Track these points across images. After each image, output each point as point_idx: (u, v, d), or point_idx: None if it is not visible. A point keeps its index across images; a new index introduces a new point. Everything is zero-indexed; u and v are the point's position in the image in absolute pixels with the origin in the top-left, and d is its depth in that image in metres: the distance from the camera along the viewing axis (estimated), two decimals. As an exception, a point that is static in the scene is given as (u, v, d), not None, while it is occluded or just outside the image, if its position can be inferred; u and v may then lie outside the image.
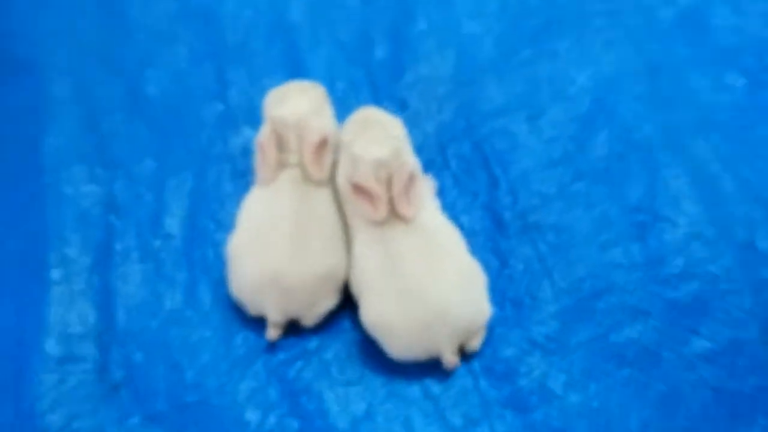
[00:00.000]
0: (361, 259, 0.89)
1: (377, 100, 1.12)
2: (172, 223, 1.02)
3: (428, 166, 1.05)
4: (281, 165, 0.92)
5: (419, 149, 1.02)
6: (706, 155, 1.05)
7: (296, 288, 0.89)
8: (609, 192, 1.02)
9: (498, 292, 0.95)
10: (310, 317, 0.92)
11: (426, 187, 0.96)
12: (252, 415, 0.88)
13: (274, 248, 0.89)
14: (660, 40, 1.17)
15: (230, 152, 1.09)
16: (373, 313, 0.87)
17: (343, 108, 1.01)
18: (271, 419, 0.88)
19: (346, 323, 0.94)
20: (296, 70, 1.17)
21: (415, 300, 0.85)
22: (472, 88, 1.13)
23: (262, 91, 0.98)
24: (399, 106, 1.11)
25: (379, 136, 0.89)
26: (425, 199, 0.91)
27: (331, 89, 1.07)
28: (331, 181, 0.93)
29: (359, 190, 0.88)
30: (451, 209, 1.01)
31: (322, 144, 0.92)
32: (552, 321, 0.93)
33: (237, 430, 0.87)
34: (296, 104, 0.93)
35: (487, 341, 0.91)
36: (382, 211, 0.87)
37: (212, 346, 0.93)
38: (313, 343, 0.93)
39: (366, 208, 0.88)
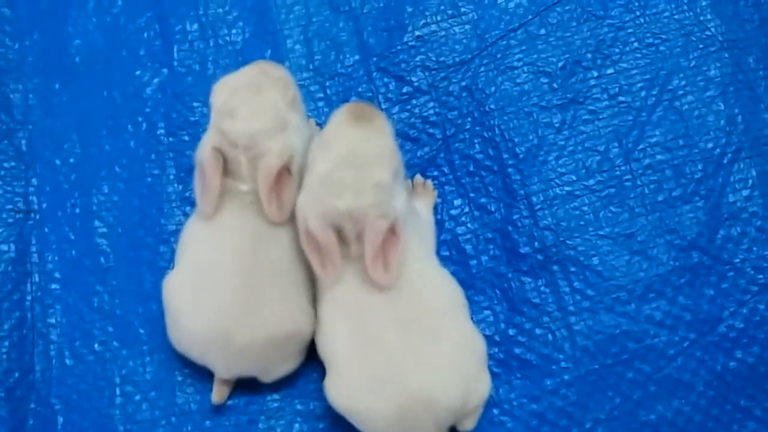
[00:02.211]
0: (329, 323, 0.72)
1: (368, 75, 0.88)
2: (102, 235, 0.84)
3: (426, 168, 0.85)
4: (228, 193, 0.72)
5: (415, 142, 0.84)
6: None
7: (247, 349, 0.72)
8: (657, 220, 0.81)
9: (503, 347, 0.78)
10: (267, 377, 0.77)
11: (419, 221, 0.77)
12: (196, 490, 0.77)
13: (219, 299, 0.72)
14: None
15: (176, 139, 0.87)
16: (340, 393, 0.71)
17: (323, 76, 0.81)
18: (220, 495, 0.77)
19: (314, 374, 0.78)
20: (264, 23, 0.90)
21: (392, 385, 0.69)
22: (489, 61, 0.88)
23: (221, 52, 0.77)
24: (394, 81, 0.88)
25: (356, 180, 0.68)
26: (414, 249, 0.71)
27: (308, 53, 0.87)
28: (295, 216, 0.73)
29: (312, 239, 0.70)
30: (451, 229, 0.83)
31: (285, 172, 0.72)
32: (567, 390, 0.77)
33: None
34: (250, 113, 0.71)
35: (485, 412, 0.76)
36: (331, 272, 0.69)
37: (150, 400, 0.78)
38: (272, 402, 0.78)
39: (314, 263, 0.70)
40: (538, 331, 0.79)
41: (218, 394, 0.76)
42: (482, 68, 0.88)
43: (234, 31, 0.90)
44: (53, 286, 0.82)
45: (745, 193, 0.82)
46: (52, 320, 0.81)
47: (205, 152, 0.72)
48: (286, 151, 0.71)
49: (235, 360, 0.74)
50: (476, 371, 0.73)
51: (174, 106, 0.88)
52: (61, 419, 0.77)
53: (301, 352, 0.76)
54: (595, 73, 0.87)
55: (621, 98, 0.86)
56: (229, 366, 0.75)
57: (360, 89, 0.87)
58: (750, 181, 0.82)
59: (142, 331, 0.80)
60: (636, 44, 0.87)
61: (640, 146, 0.84)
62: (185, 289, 0.74)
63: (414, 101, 0.87)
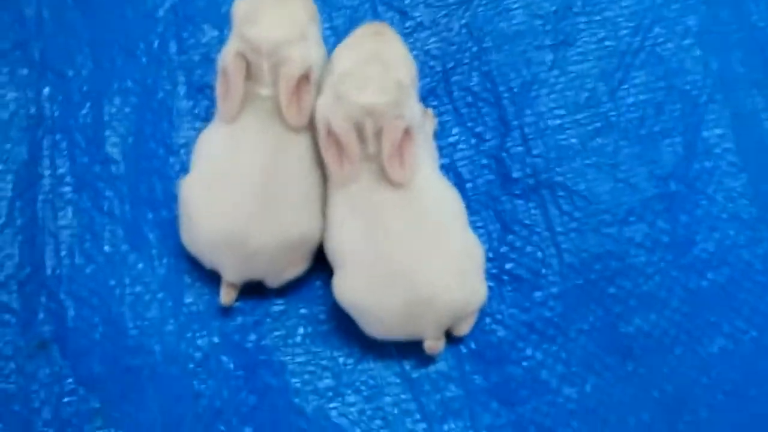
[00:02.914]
0: (339, 226, 0.76)
1: (374, 9, 0.94)
2: (114, 144, 0.88)
3: (426, 97, 0.90)
4: (249, 98, 0.76)
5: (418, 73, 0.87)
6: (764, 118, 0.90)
7: (260, 252, 0.76)
8: (639, 152, 0.88)
9: (496, 263, 0.84)
10: (274, 280, 0.81)
11: (426, 135, 0.82)
12: (202, 387, 0.79)
13: (236, 203, 0.75)
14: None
15: (187, 58, 0.91)
16: (349, 290, 0.76)
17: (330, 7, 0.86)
18: (225, 393, 0.80)
19: (317, 281, 0.83)
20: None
21: (399, 282, 0.74)
22: (488, 1, 0.94)
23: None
24: (398, 15, 0.94)
25: (380, 76, 0.73)
26: (423, 157, 0.77)
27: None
28: (313, 124, 0.77)
29: (332, 138, 0.74)
30: (449, 154, 0.88)
31: (304, 80, 0.76)
32: (554, 302, 0.83)
33: (184, 402, 0.79)
34: (273, 23, 0.75)
35: (478, 321, 0.81)
36: (348, 171, 0.74)
37: (159, 300, 0.82)
38: (277, 306, 0.83)
39: (331, 162, 0.74)
40: (528, 248, 0.85)
41: (226, 296, 0.80)
42: (481, 8, 0.94)
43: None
44: (64, 189, 0.85)
45: (718, 131, 0.89)
46: (63, 222, 0.84)
47: (228, 57, 0.76)
48: (307, 60, 0.76)
49: (246, 263, 0.77)
50: (476, 276, 0.79)
51: (185, 27, 0.92)
52: (71, 314, 0.80)
53: (309, 257, 0.80)
54: (585, 19, 0.94)
55: (608, 42, 0.93)
56: (239, 269, 0.78)
57: (365, 21, 0.93)
58: (723, 121, 0.90)
59: (151, 236, 0.84)
60: (623, -6, 0.95)
61: (624, 86, 0.91)
62: (202, 191, 0.77)
63: (416, 35, 0.93)
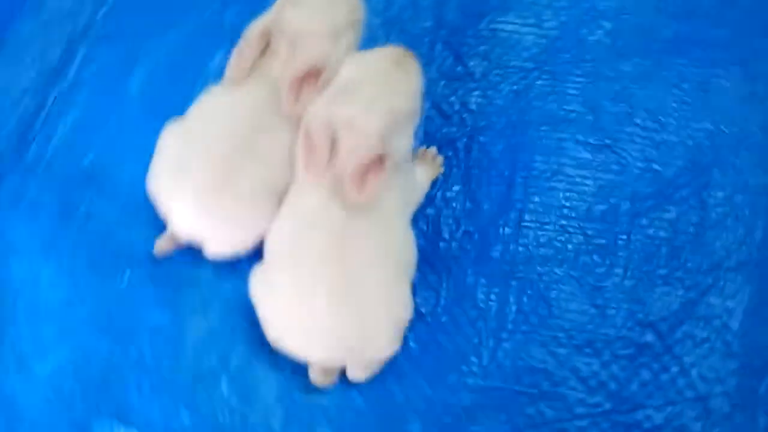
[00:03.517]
0: (281, 222, 0.74)
1: (432, 43, 0.91)
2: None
3: (444, 146, 0.86)
4: (258, 71, 0.77)
5: (446, 118, 0.86)
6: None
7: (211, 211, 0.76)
8: (630, 287, 0.79)
9: (430, 329, 0.78)
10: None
11: (408, 175, 0.78)
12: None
13: (207, 157, 0.76)
14: None
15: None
16: (260, 284, 0.74)
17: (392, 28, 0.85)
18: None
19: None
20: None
21: (310, 299, 0.70)
22: (548, 78, 0.89)
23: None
24: (452, 57, 0.90)
25: (375, 98, 0.71)
26: (394, 194, 0.73)
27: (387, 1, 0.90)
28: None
29: (306, 138, 0.73)
30: (439, 207, 0.84)
31: (311, 75, 0.75)
32: (463, 393, 0.75)
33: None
34: (313, 13, 0.76)
35: (379, 377, 0.76)
36: (312, 175, 0.72)
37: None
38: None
39: (300, 160, 0.73)
40: (468, 329, 0.79)
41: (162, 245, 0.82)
42: (539, 82, 0.89)
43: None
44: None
45: (730, 303, 0.79)
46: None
47: (254, 29, 0.77)
48: (323, 59, 0.75)
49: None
50: (389, 331, 0.73)
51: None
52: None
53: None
54: (642, 133, 0.86)
55: (655, 166, 0.85)
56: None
57: (419, 52, 0.90)
58: (738, 295, 0.79)
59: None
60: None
61: (650, 216, 0.83)
62: (178, 138, 0.78)
63: (461, 83, 0.90)
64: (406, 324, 0.75)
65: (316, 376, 0.75)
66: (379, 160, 0.72)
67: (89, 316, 0.80)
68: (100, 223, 0.84)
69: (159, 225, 0.79)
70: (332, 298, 0.70)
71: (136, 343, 0.79)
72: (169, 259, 0.81)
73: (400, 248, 0.75)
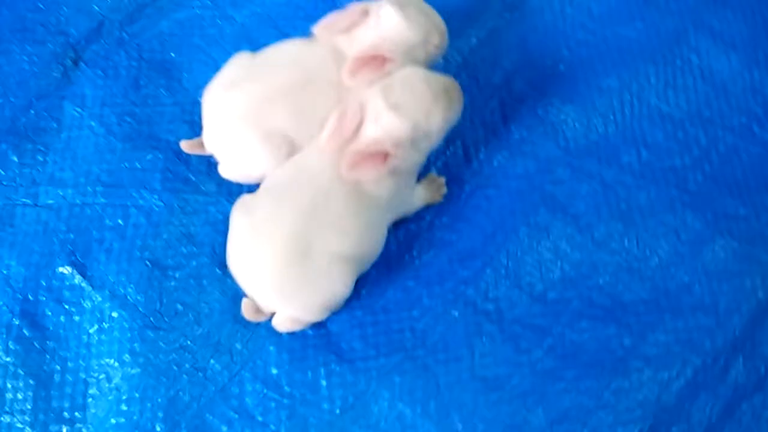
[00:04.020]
0: (286, 166, 0.85)
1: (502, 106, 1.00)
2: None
3: (453, 181, 0.94)
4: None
5: (468, 162, 0.94)
6: None
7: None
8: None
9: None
10: None
11: (406, 189, 0.87)
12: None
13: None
14: None
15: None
16: (239, 209, 0.84)
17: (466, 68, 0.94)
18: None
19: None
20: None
21: (265, 235, 0.80)
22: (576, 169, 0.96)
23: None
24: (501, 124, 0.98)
25: (406, 108, 0.81)
26: (380, 196, 0.83)
27: (468, 47, 0.99)
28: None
29: (343, 111, 0.83)
30: (423, 227, 0.92)
31: (379, 60, 0.86)
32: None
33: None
34: (404, 23, 0.87)
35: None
36: (331, 142, 0.81)
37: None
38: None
39: (330, 126, 0.82)
40: (395, 328, 0.88)
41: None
42: (558, 170, 0.97)
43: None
44: None
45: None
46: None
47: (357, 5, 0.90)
48: (393, 54, 0.86)
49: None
50: (319, 297, 0.82)
51: None
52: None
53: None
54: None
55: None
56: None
57: (485, 110, 1.00)
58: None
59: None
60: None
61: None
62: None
63: (497, 141, 0.98)
64: (337, 304, 0.85)
65: (244, 308, 0.85)
66: (382, 157, 0.82)
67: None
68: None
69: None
70: (286, 244, 0.80)
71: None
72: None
73: (367, 239, 0.85)
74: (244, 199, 0.85)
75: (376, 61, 0.87)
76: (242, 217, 0.83)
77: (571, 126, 0.99)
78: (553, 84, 1.02)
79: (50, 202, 0.94)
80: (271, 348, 0.87)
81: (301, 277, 0.81)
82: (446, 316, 0.89)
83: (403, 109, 0.82)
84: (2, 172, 0.96)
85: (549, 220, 0.94)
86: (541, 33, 1.05)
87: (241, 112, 0.87)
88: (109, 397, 0.85)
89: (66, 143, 0.97)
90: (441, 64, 0.98)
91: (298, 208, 0.81)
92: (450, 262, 0.92)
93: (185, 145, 0.93)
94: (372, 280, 0.91)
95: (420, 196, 0.93)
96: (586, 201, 0.95)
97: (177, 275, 0.90)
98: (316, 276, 0.82)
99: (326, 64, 0.89)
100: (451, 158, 0.97)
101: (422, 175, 0.93)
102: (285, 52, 0.91)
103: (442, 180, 0.96)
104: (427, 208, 0.94)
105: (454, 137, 0.97)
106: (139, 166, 0.95)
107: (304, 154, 0.86)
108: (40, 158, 0.96)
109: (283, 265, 0.81)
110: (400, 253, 0.92)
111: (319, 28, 0.91)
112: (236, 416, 0.85)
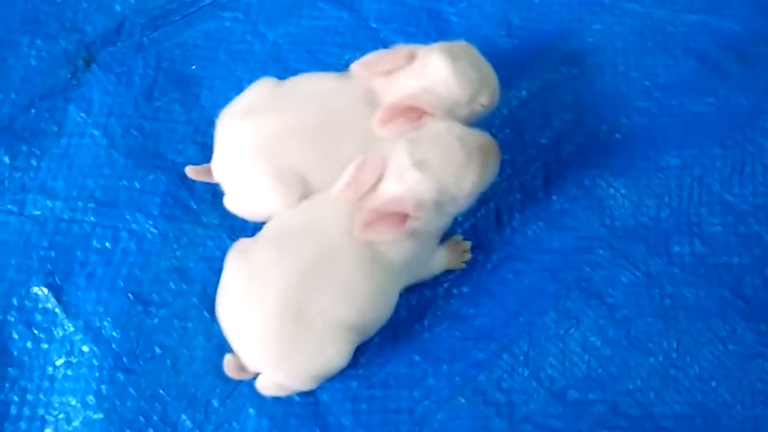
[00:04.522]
0: (292, 214, 0.76)
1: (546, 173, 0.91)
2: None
3: (479, 249, 0.85)
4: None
5: (500, 230, 0.85)
6: None
7: None
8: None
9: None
10: None
11: (424, 255, 0.78)
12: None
13: None
14: None
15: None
16: (235, 252, 0.75)
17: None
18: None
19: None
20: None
21: (258, 288, 0.72)
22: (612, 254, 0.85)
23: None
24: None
25: (434, 168, 0.72)
26: (399, 250, 0.73)
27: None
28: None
29: (364, 162, 0.74)
30: (433, 298, 0.83)
31: (416, 112, 0.77)
32: None
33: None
34: (455, 79, 0.78)
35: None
36: (346, 194, 0.73)
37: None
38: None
39: (348, 174, 0.74)
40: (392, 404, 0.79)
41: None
42: (600, 251, 0.87)
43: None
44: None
45: None
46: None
47: (403, 48, 0.81)
48: (432, 109, 0.77)
49: None
50: (309, 365, 0.73)
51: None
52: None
53: None
54: None
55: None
56: None
57: (526, 173, 0.90)
58: None
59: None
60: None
61: None
62: None
63: (532, 209, 0.88)
64: (329, 374, 0.75)
65: (227, 364, 0.74)
66: (401, 218, 0.73)
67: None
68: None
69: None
70: (281, 300, 0.71)
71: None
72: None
73: (374, 306, 0.75)
74: (243, 244, 0.76)
75: (412, 113, 0.77)
76: (237, 263, 0.75)
77: (619, 203, 0.89)
78: (605, 153, 0.91)
79: (36, 213, 0.86)
80: (251, 411, 0.78)
81: (294, 339, 0.72)
82: (451, 402, 0.79)
83: (430, 168, 0.72)
84: (-9, 172, 0.89)
85: (581, 306, 0.83)
86: (599, 94, 0.94)
87: (256, 144, 0.79)
88: (65, 442, 0.77)
89: (64, 150, 0.89)
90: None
91: (300, 260, 0.72)
92: (463, 339, 0.82)
93: (191, 171, 0.84)
94: (374, 348, 0.81)
95: (440, 260, 0.84)
96: (626, 290, 0.84)
97: (160, 313, 0.82)
98: (310, 340, 0.72)
99: (357, 106, 0.80)
100: (481, 221, 0.88)
101: (446, 236, 0.84)
102: (314, 85, 0.82)
103: (468, 245, 0.86)
104: (447, 273, 0.84)
105: (487, 198, 0.87)
106: (138, 186, 0.87)
107: (317, 200, 0.77)
108: (34, 163, 0.88)
109: (275, 324, 0.72)
110: (410, 321, 0.82)
111: (357, 65, 0.81)
112: (200, 484, 0.77)
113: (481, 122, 0.84)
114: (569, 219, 0.88)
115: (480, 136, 0.76)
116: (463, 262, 0.86)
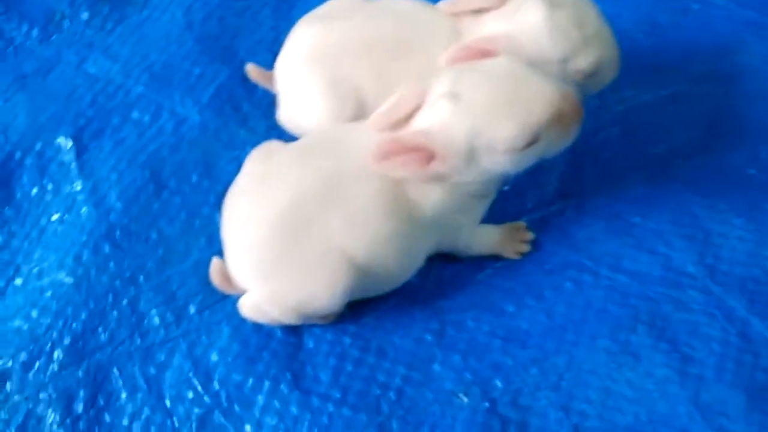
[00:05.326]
0: (334, 127, 0.69)
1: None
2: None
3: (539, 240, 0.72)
4: None
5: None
6: None
7: None
8: None
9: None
10: None
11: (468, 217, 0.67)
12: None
13: None
14: None
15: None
16: (256, 158, 0.67)
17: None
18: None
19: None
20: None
21: (267, 194, 0.63)
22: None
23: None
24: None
25: (475, 102, 0.60)
26: (429, 213, 0.63)
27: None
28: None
29: (402, 94, 0.63)
30: (464, 279, 0.70)
31: (483, 55, 0.65)
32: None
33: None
34: (542, 22, 0.66)
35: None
36: (376, 121, 0.63)
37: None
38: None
39: (385, 104, 0.64)
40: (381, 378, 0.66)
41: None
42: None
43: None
44: None
45: None
46: None
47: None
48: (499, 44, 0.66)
49: None
50: (294, 297, 0.63)
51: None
52: None
53: None
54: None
55: None
56: None
57: (627, 179, 0.76)
58: None
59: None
60: None
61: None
62: None
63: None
64: (312, 311, 0.64)
65: (213, 269, 0.66)
66: (425, 156, 0.61)
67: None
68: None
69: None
70: (285, 212, 0.62)
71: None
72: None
73: (385, 252, 0.63)
74: (270, 145, 0.68)
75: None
76: (256, 164, 0.67)
77: (730, 245, 0.72)
78: (729, 185, 0.75)
79: (92, 71, 0.83)
80: (226, 330, 0.68)
81: (287, 255, 0.62)
82: (450, 399, 0.65)
83: (468, 102, 0.60)
84: (67, 23, 0.87)
85: (646, 345, 0.66)
86: (740, 120, 0.79)
87: (313, 50, 0.72)
88: (28, 296, 0.70)
89: (142, 21, 0.86)
90: (595, 102, 0.77)
91: (320, 176, 0.62)
92: (490, 335, 0.68)
93: (252, 70, 0.77)
94: (384, 311, 0.69)
95: (489, 239, 0.71)
96: (710, 347, 0.66)
97: (172, 201, 0.75)
98: (304, 262, 0.62)
99: (434, 36, 0.70)
100: (553, 216, 0.74)
101: (509, 218, 0.73)
102: (397, 5, 0.74)
103: (529, 236, 0.73)
104: (495, 260, 0.71)
105: (567, 192, 0.74)
106: (197, 72, 0.82)
107: (355, 123, 0.68)
108: (109, 26, 0.86)
109: (274, 233, 0.62)
110: (435, 294, 0.70)
111: (445, 3, 0.72)
112: (144, 387, 0.66)
113: (587, 111, 0.72)
114: (663, 244, 0.72)
115: (551, 87, 0.61)
116: (518, 252, 0.72)
